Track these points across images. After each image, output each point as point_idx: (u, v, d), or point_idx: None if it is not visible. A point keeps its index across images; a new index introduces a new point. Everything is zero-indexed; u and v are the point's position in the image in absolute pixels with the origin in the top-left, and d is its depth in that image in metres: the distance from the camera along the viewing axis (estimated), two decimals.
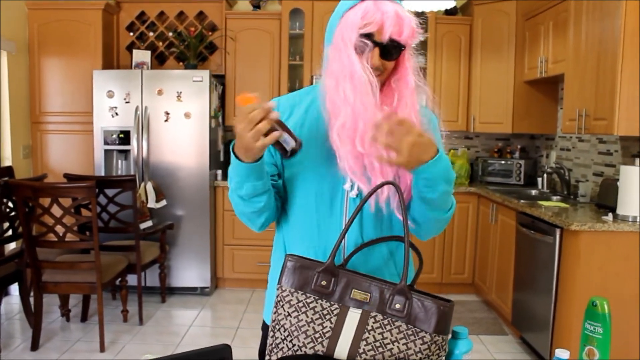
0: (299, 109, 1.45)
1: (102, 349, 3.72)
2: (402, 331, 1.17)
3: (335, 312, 1.21)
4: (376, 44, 1.30)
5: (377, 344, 1.17)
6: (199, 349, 0.96)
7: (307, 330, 1.20)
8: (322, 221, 1.41)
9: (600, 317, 1.28)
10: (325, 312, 1.21)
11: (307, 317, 1.21)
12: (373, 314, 1.19)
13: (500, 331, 4.27)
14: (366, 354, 1.16)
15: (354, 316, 1.20)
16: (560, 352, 1.24)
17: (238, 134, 1.23)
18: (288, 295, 1.24)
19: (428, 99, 1.40)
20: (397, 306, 1.18)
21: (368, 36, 1.29)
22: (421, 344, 1.16)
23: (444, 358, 1.21)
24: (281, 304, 1.25)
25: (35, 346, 3.68)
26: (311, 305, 1.22)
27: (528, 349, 3.92)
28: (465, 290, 5.19)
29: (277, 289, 1.27)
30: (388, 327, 1.18)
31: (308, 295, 1.23)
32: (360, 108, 1.28)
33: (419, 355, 1.16)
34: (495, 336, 4.17)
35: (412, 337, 1.16)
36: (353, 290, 1.22)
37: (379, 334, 1.17)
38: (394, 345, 1.16)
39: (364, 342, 1.17)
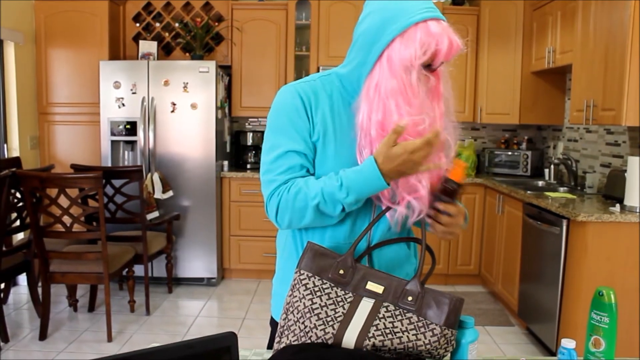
0: (323, 99, 1.39)
1: (110, 338, 3.74)
2: (412, 322, 1.19)
3: (349, 299, 1.24)
4: (426, 67, 1.27)
5: (387, 330, 1.18)
6: (204, 336, 0.96)
7: (320, 313, 1.22)
8: (358, 219, 1.39)
9: (607, 307, 1.28)
10: (339, 299, 1.24)
11: (322, 301, 1.24)
12: (385, 304, 1.22)
13: (507, 322, 4.26)
14: (375, 339, 1.17)
15: (366, 305, 1.22)
16: (566, 342, 1.24)
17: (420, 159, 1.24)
18: (305, 278, 1.27)
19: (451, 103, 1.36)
20: (410, 298, 1.21)
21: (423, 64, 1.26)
22: (431, 336, 1.18)
23: (450, 353, 1.23)
24: (297, 287, 1.27)
25: (43, 336, 3.71)
26: (326, 291, 1.25)
27: (534, 340, 3.92)
28: (472, 281, 5.19)
29: (295, 273, 1.29)
30: (399, 317, 1.20)
31: (325, 281, 1.26)
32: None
33: (428, 346, 1.18)
34: (501, 327, 4.17)
35: (422, 329, 1.18)
36: (368, 282, 1.25)
37: (389, 322, 1.19)
38: (403, 334, 1.18)
39: (374, 328, 1.19)
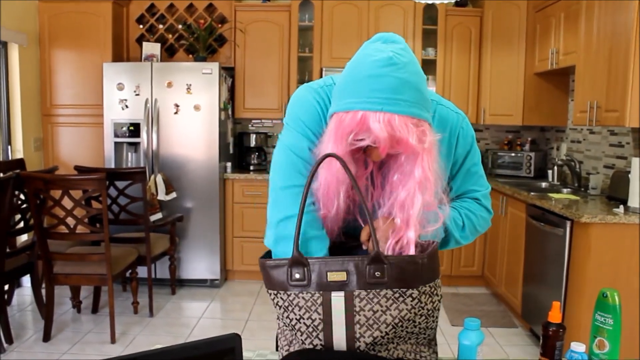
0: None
1: (113, 340, 3.75)
2: (389, 297, 1.16)
3: (318, 301, 1.19)
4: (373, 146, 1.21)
5: (370, 321, 1.16)
6: (208, 337, 0.96)
7: (300, 327, 1.21)
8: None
9: (611, 309, 1.27)
10: (309, 303, 1.20)
11: (295, 314, 1.21)
12: (356, 292, 1.17)
13: (510, 324, 4.26)
14: (364, 337, 1.17)
15: (338, 300, 1.18)
16: (575, 346, 1.23)
17: None
18: (275, 297, 1.25)
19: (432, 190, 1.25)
20: (377, 274, 1.16)
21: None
22: (411, 301, 1.16)
23: (439, 301, 1.22)
24: (273, 305, 1.27)
25: (47, 337, 3.71)
26: (294, 302, 1.21)
27: (538, 342, 3.91)
28: (475, 282, 5.18)
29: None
30: (375, 300, 1.16)
31: (289, 292, 1.21)
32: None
33: (413, 311, 1.17)
34: (505, 329, 4.16)
35: (400, 299, 1.16)
36: (328, 273, 1.18)
37: (368, 310, 1.16)
38: (386, 314, 1.16)
39: (358, 325, 1.17)
